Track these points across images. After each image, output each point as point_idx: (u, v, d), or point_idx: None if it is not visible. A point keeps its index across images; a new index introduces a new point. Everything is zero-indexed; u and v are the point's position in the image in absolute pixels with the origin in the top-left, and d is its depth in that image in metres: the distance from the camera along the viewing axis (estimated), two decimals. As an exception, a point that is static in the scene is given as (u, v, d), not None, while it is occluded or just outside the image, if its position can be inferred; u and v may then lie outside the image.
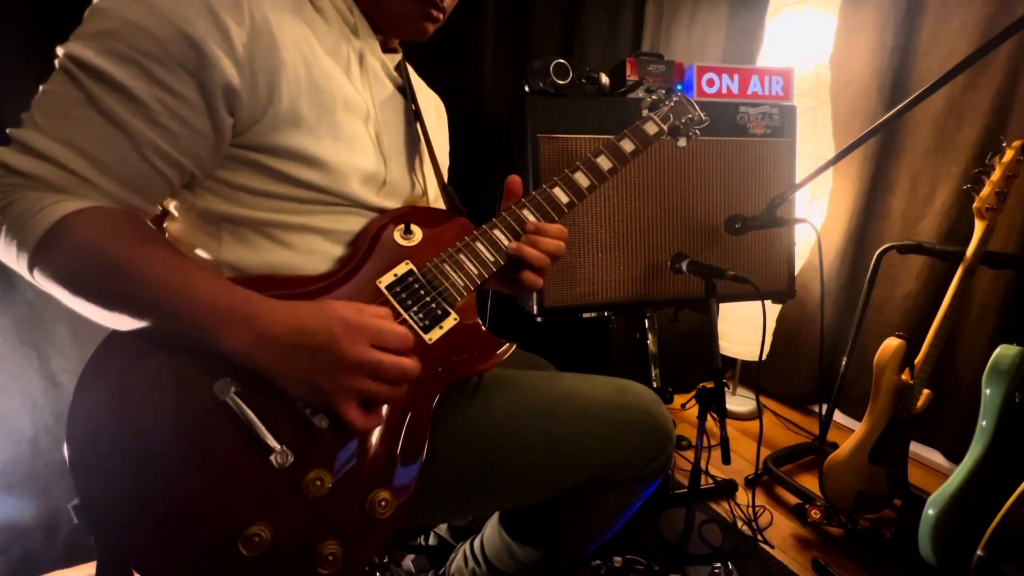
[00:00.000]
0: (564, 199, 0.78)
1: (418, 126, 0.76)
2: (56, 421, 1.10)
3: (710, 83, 1.36)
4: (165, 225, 0.66)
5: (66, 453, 0.50)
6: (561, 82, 1.22)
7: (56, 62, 0.51)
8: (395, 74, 0.75)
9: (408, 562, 1.10)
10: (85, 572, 1.16)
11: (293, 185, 0.60)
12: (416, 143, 0.76)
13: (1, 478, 1.06)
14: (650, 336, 1.42)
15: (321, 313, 0.53)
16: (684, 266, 1.25)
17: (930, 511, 1.05)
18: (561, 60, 1.22)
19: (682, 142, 0.95)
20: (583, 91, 1.27)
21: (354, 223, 0.66)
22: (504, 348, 0.69)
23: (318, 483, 0.55)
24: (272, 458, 0.52)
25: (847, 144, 1.12)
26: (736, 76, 1.38)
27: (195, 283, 0.51)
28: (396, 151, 0.72)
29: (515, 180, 0.77)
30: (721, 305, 1.71)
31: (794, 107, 1.41)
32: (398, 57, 0.77)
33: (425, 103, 0.83)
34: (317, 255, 0.63)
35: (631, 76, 1.28)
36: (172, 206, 0.63)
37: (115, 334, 0.53)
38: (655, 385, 1.41)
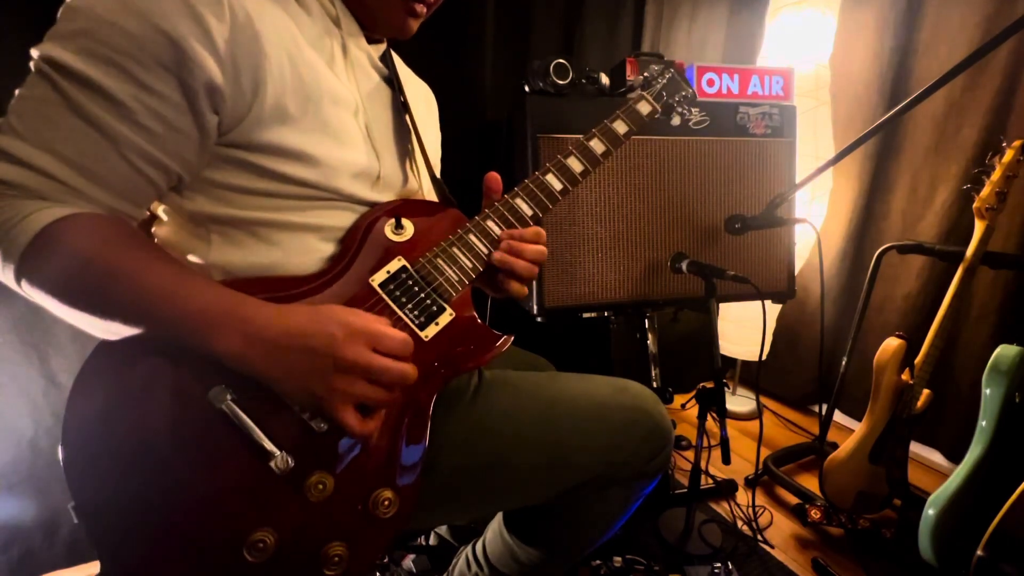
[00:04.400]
0: (557, 185, 0.76)
1: (407, 118, 0.74)
2: (56, 421, 1.09)
3: (710, 83, 1.37)
4: (153, 230, 0.65)
5: (60, 457, 0.49)
6: (561, 82, 1.22)
7: (31, 64, 0.50)
8: (380, 65, 0.73)
9: (409, 562, 1.10)
10: (85, 572, 1.16)
11: (283, 182, 0.59)
12: (406, 136, 0.74)
13: (1, 478, 1.06)
14: (650, 336, 1.42)
15: (319, 315, 0.52)
16: (684, 266, 1.25)
17: (930, 511, 1.05)
18: (561, 60, 1.22)
19: (676, 120, 0.93)
20: (583, 91, 1.27)
21: (345, 219, 0.65)
22: (502, 341, 0.68)
23: (320, 487, 0.54)
24: (272, 464, 0.51)
25: (847, 144, 1.12)
26: (736, 76, 1.38)
27: (188, 287, 0.51)
28: (387, 144, 0.70)
29: (493, 178, 0.74)
30: (721, 305, 1.71)
31: (794, 107, 1.41)
32: (383, 47, 0.75)
33: (414, 94, 0.81)
34: (308, 254, 0.62)
35: (631, 76, 1.29)
36: (160, 210, 0.62)
37: (108, 341, 0.52)
38: (655, 385, 1.40)
